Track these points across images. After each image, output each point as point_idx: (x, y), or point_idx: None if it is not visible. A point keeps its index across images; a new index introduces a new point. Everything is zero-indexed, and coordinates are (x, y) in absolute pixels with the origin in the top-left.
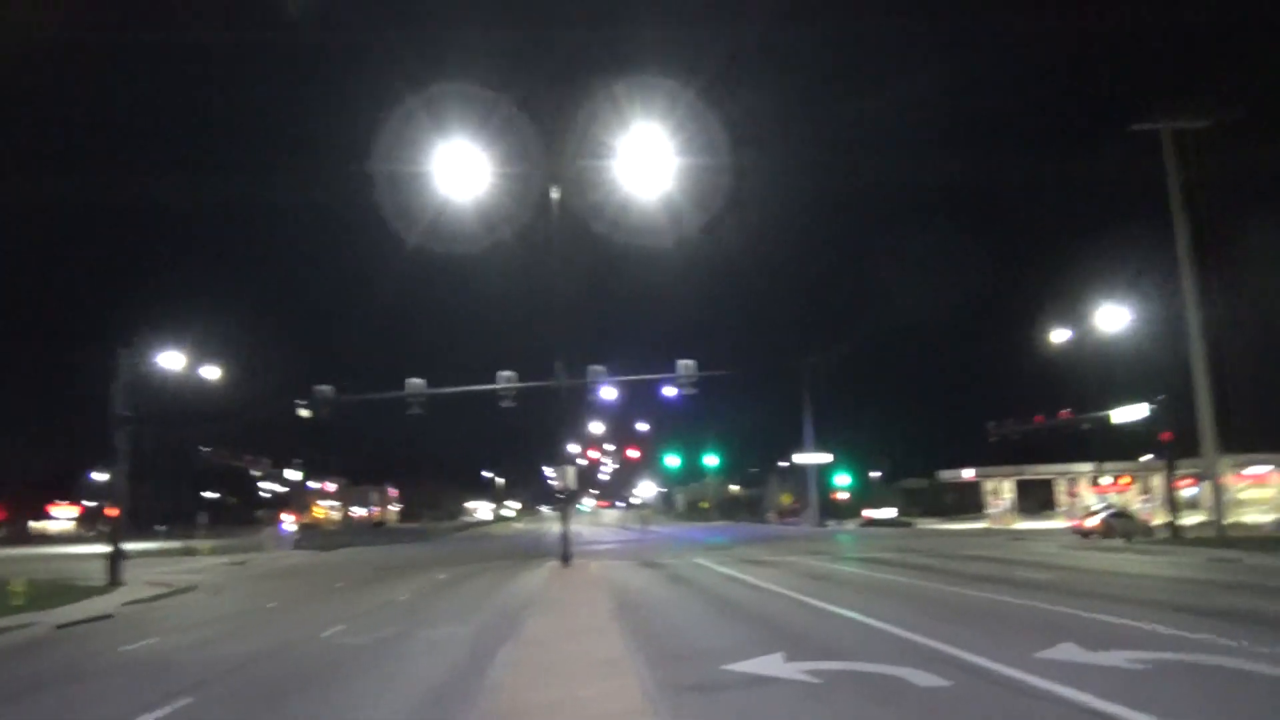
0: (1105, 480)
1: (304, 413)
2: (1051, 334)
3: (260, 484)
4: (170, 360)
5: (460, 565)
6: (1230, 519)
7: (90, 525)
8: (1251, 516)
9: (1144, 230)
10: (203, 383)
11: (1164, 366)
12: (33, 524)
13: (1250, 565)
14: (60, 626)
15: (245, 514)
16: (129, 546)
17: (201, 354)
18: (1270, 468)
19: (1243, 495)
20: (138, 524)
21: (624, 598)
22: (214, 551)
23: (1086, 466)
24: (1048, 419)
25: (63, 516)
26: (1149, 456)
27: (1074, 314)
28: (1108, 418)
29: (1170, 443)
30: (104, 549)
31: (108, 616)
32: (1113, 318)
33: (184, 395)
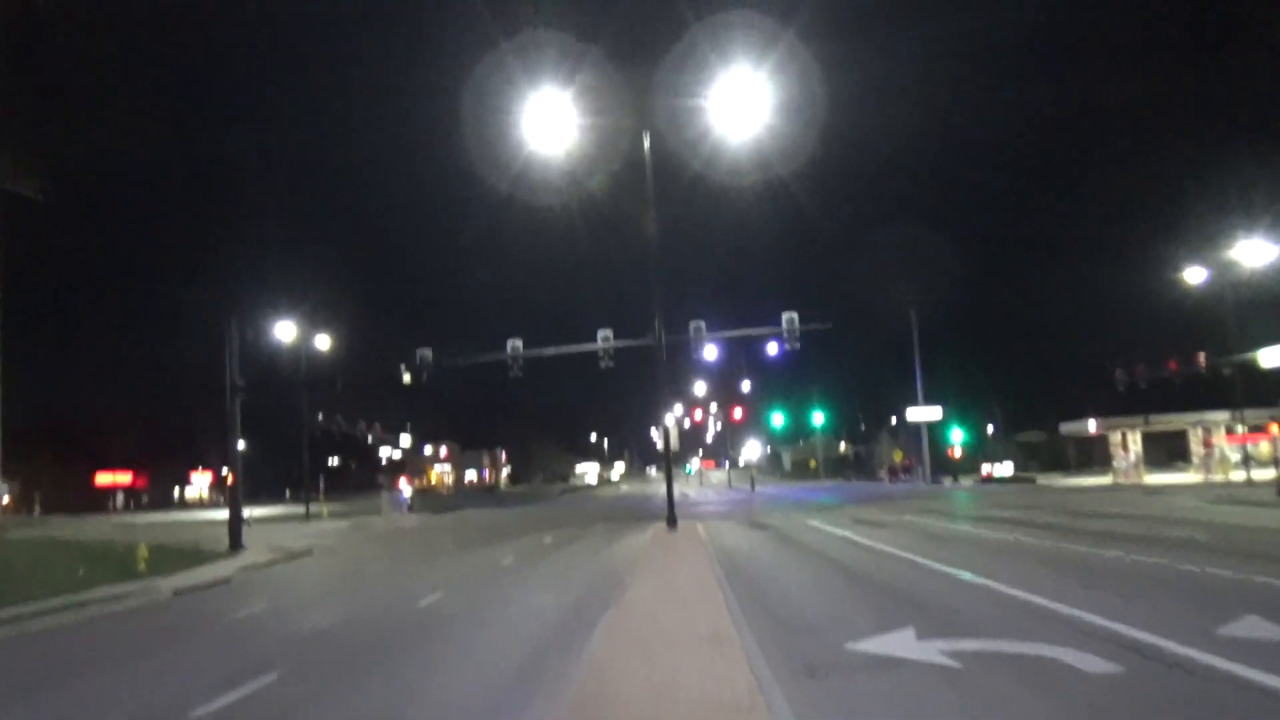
0: (1241, 429)
1: (406, 377)
2: (1185, 272)
3: (380, 450)
4: (283, 331)
5: (565, 528)
6: None
7: (224, 491)
8: None
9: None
10: (311, 350)
11: None
12: (176, 490)
13: None
14: (178, 592)
15: (366, 479)
16: (254, 512)
17: (310, 322)
18: None
19: None
20: (265, 489)
21: (732, 562)
22: (334, 516)
23: (1223, 414)
24: (1183, 365)
25: (201, 483)
26: None
27: (1210, 249)
28: (1254, 360)
29: None
30: (245, 513)
31: (225, 581)
32: (1255, 251)
33: (294, 363)
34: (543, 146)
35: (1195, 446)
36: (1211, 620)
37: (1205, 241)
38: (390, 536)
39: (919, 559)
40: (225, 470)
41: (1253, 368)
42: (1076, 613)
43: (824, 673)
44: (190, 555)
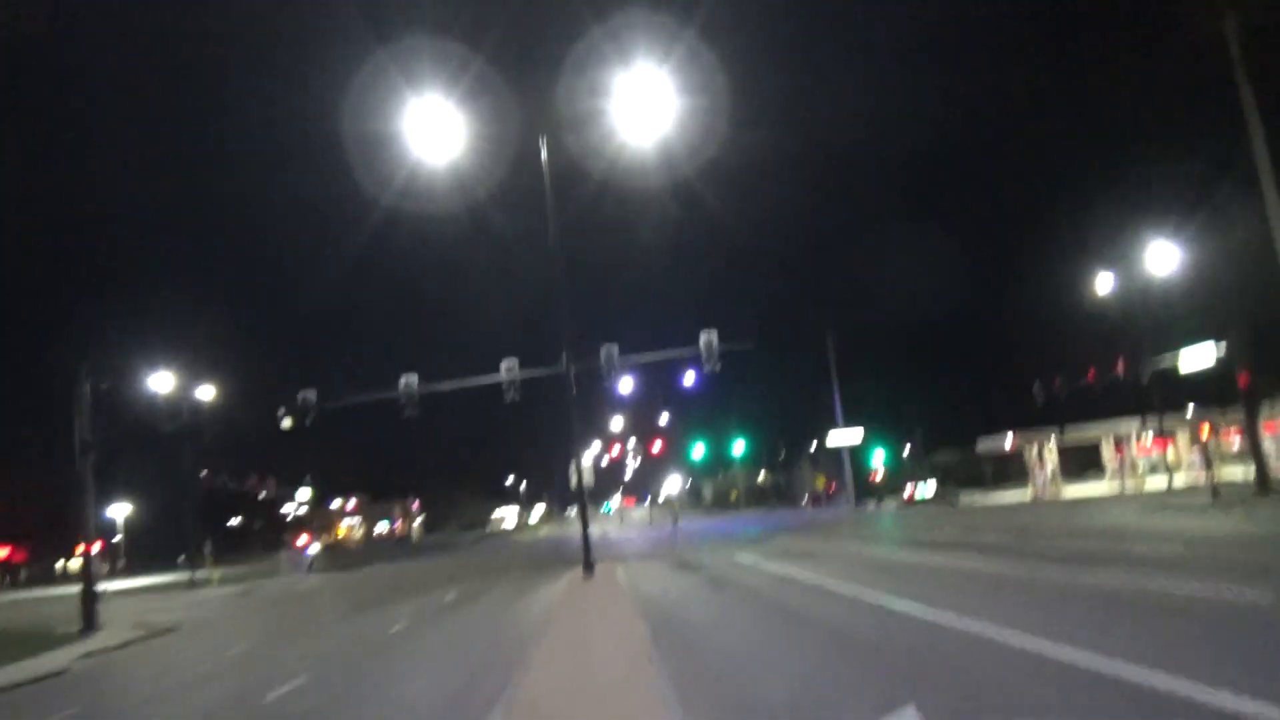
0: (1147, 437)
1: (286, 422)
2: (1096, 281)
3: (283, 507)
4: (159, 381)
5: (473, 580)
6: None
7: (111, 560)
8: None
9: (1193, 151)
10: (193, 402)
11: (1232, 307)
12: (61, 563)
13: None
14: None
15: (271, 538)
16: (139, 582)
17: (190, 371)
18: None
19: None
20: (159, 555)
21: (659, 616)
22: (226, 581)
23: (1133, 422)
24: (1101, 374)
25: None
26: (1191, 408)
27: (1120, 256)
28: (1174, 365)
29: (1251, 386)
30: (115, 585)
31: (59, 674)
32: (1164, 256)
33: (174, 416)
34: (430, 157)
35: (1108, 456)
36: None
37: (1114, 249)
38: (278, 602)
39: (878, 597)
40: (119, 538)
41: (1172, 374)
42: (1115, 667)
43: None
44: (32, 640)
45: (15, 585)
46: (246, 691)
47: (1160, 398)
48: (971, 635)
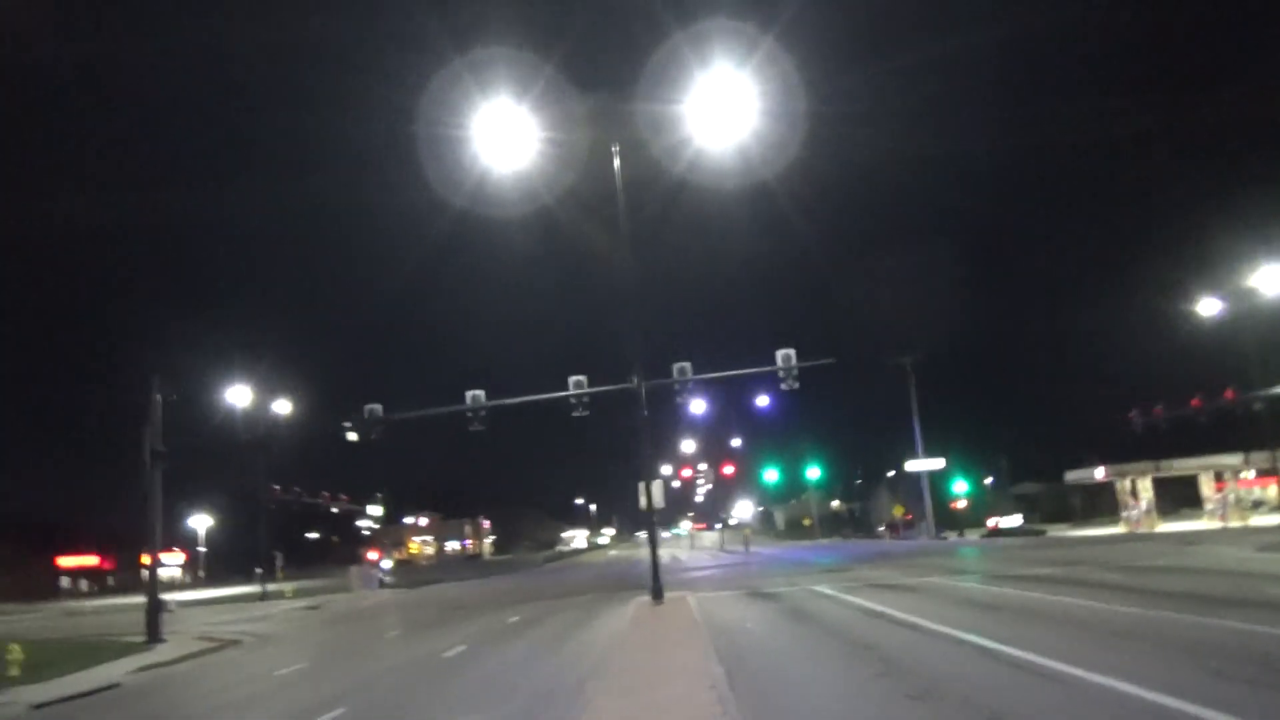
0: (1249, 474)
1: (352, 435)
2: (1199, 304)
3: (358, 522)
4: (236, 395)
5: (538, 601)
6: None
7: (192, 571)
8: None
9: None
10: (269, 415)
11: None
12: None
13: None
14: (38, 706)
15: (349, 553)
16: (212, 593)
17: (266, 385)
18: None
19: None
20: (240, 567)
21: (736, 653)
22: (298, 594)
23: (1235, 458)
24: (1207, 402)
25: (171, 563)
26: None
27: (1225, 279)
28: None
29: None
30: (193, 595)
31: (112, 687)
32: (1275, 277)
33: (250, 430)
34: (501, 165)
35: (1207, 492)
36: None
37: (1219, 272)
38: (344, 618)
39: (986, 642)
40: (203, 549)
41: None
42: None
43: None
44: (92, 651)
45: (103, 592)
46: (289, 717)
47: (1273, 429)
48: (1111, 697)
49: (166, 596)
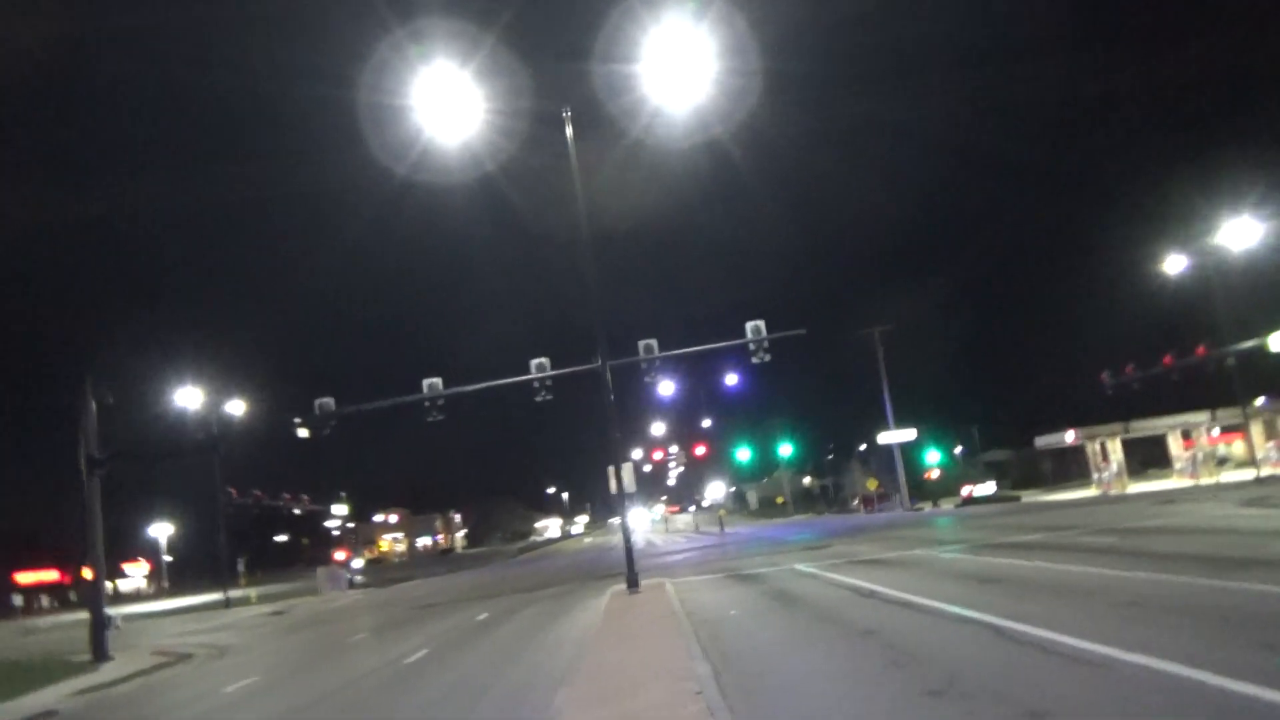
0: (1215, 431)
1: (302, 432)
2: (1165, 262)
3: (329, 522)
4: (185, 397)
5: (509, 595)
6: None
7: (157, 581)
8: None
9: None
10: (222, 417)
11: None
12: (111, 584)
13: None
14: None
15: (319, 554)
16: (174, 604)
17: (215, 386)
18: None
19: None
20: (200, 576)
21: (721, 647)
22: (263, 599)
23: (1203, 415)
24: (1178, 359)
25: (135, 574)
26: (1263, 400)
27: (1192, 237)
28: (1264, 346)
29: None
30: (155, 606)
31: (47, 715)
32: (1242, 231)
33: (202, 432)
34: (443, 135)
35: (1176, 450)
36: None
37: (1187, 230)
38: (307, 623)
39: (986, 617)
40: (169, 558)
41: (1259, 356)
42: None
43: None
44: (36, 672)
45: (63, 608)
46: None
47: (1243, 385)
48: (1167, 682)
49: (112, 611)
